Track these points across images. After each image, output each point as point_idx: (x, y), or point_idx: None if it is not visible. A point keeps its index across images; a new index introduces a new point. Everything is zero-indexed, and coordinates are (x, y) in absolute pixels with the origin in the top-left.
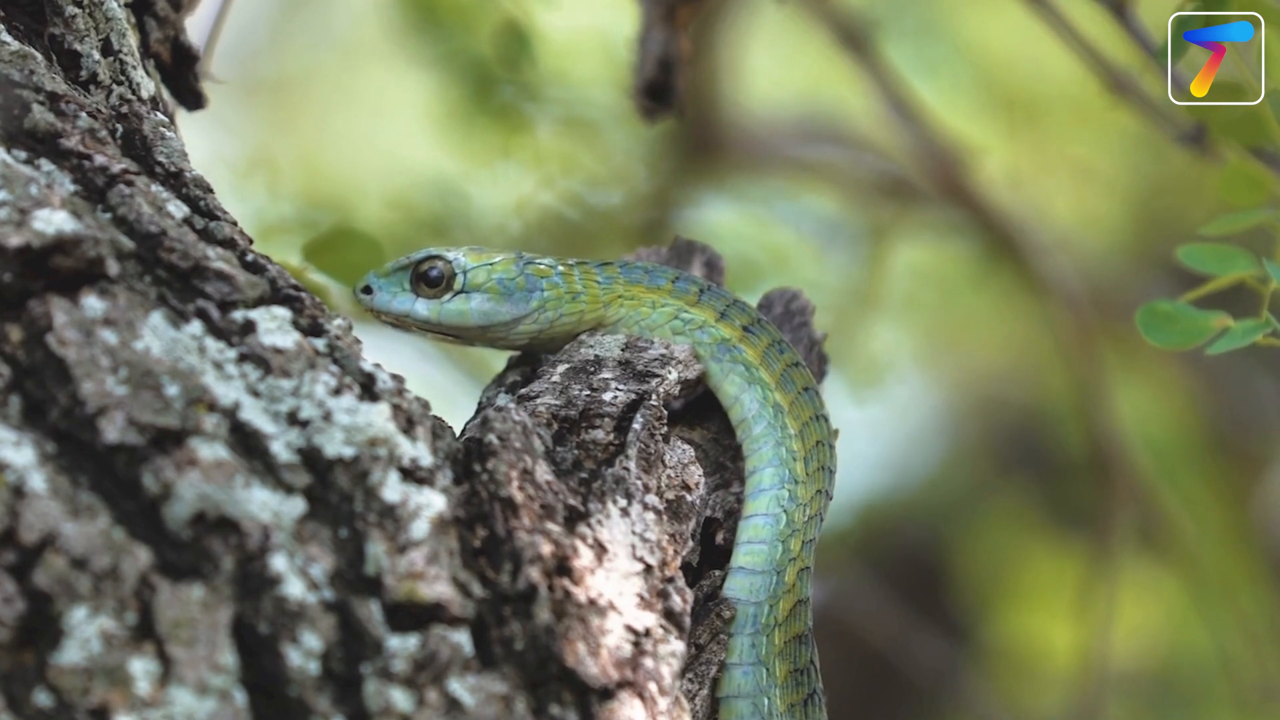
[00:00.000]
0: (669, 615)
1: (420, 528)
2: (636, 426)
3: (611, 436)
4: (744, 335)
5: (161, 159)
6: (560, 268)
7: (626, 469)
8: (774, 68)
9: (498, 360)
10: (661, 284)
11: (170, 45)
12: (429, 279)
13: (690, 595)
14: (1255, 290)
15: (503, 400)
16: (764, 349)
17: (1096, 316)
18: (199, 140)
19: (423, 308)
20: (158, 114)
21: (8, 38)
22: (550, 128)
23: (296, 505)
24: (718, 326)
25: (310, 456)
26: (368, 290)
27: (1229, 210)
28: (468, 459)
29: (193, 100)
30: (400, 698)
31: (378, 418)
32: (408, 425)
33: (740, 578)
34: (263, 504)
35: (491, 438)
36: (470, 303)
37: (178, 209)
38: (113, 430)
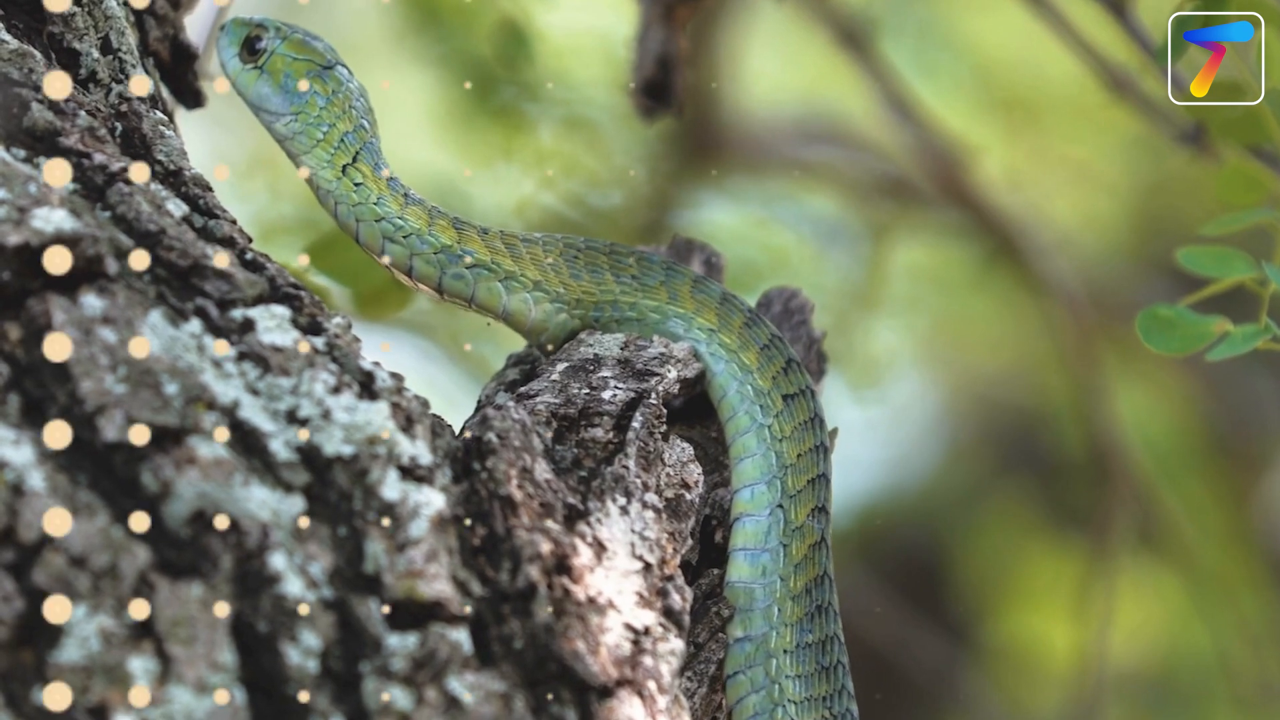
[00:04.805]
0: (668, 613)
1: (419, 526)
2: (636, 425)
3: (611, 435)
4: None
5: (160, 157)
6: (328, 109)
7: (626, 467)
8: (773, 68)
9: (497, 358)
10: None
11: (169, 43)
12: (252, 46)
13: (689, 593)
14: (1254, 293)
15: (502, 398)
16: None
17: (1096, 317)
18: (198, 139)
19: (232, 65)
20: (157, 112)
21: (7, 36)
22: (551, 128)
23: (295, 503)
24: (434, 231)
25: (309, 455)
26: (223, 28)
27: (1228, 210)
28: (467, 457)
29: (192, 99)
30: (399, 696)
31: (377, 416)
32: (407, 423)
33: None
34: (262, 502)
35: (491, 436)
36: (258, 80)
37: (177, 207)
38: (111, 428)
